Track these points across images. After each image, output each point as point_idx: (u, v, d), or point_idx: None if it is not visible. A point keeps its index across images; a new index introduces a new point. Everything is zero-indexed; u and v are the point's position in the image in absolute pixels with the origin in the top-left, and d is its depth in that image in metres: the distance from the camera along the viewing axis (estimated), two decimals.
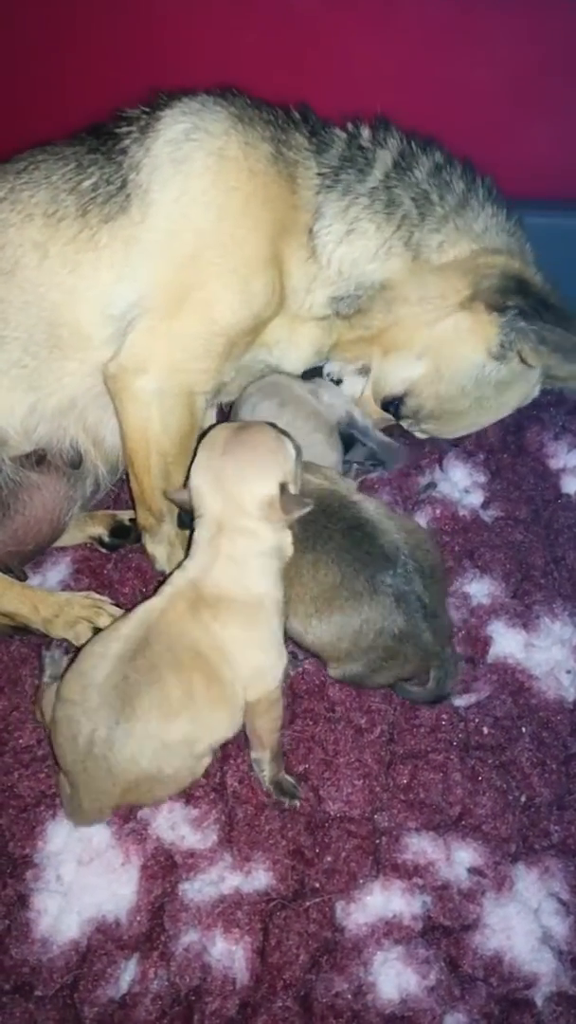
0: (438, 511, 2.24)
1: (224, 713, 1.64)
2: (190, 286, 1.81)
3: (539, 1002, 1.56)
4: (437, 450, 2.38)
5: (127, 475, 1.99)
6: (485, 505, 2.30)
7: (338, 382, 2.10)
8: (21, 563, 2.10)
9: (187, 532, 1.85)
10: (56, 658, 1.86)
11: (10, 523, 2.00)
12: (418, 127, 1.98)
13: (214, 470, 1.67)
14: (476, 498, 2.32)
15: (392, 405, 2.05)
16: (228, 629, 1.64)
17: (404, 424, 2.12)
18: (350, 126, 1.97)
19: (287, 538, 1.71)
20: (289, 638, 1.80)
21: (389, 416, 2.09)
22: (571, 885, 1.68)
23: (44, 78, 2.44)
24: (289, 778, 1.76)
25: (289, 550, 1.71)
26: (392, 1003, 1.54)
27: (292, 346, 2.01)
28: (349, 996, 1.55)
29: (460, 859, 1.70)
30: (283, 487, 1.65)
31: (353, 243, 1.90)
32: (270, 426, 1.74)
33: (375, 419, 2.11)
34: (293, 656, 1.89)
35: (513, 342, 1.88)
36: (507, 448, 2.42)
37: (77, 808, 1.64)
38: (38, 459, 2.01)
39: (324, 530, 1.77)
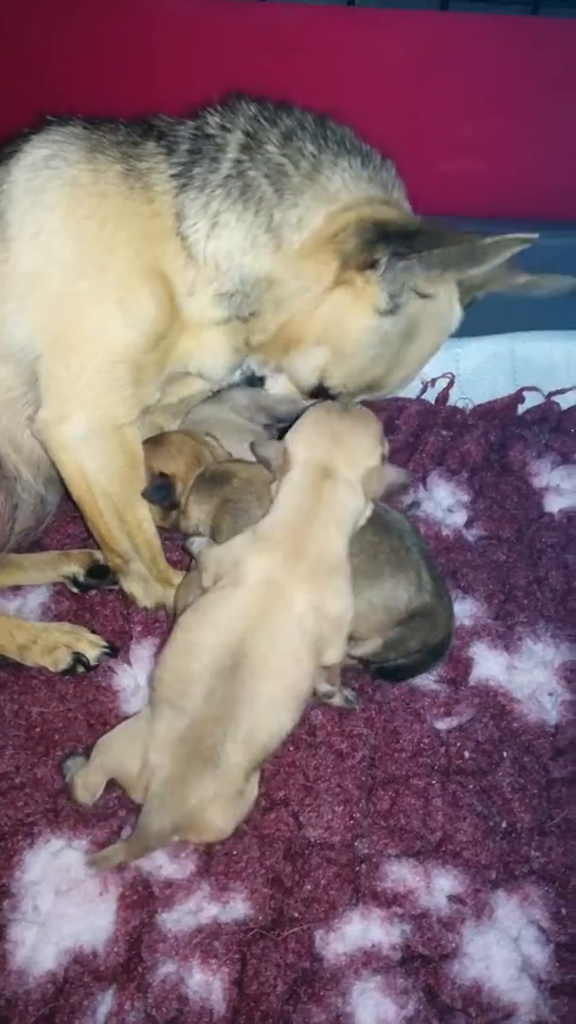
0: (421, 530, 2.23)
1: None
2: (71, 322, 1.79)
3: None
4: (421, 469, 2.38)
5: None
6: (468, 524, 2.30)
7: (261, 380, 2.05)
8: None
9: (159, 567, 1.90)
10: (76, 763, 1.79)
11: None
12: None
13: (329, 426, 1.78)
14: (459, 517, 2.31)
15: (314, 394, 2.00)
16: (331, 604, 1.67)
17: (347, 401, 2.04)
18: (196, 120, 1.90)
19: (368, 511, 1.78)
20: None
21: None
22: (551, 913, 1.67)
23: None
24: (348, 692, 1.88)
25: (362, 523, 1.78)
26: None
27: (206, 354, 1.96)
28: None
29: (440, 886, 1.69)
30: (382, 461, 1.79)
31: (220, 236, 1.83)
32: None
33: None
34: None
35: (401, 288, 1.80)
36: (490, 466, 2.41)
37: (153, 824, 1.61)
38: None
39: None
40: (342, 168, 1.83)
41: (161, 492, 1.89)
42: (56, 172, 1.80)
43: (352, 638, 1.78)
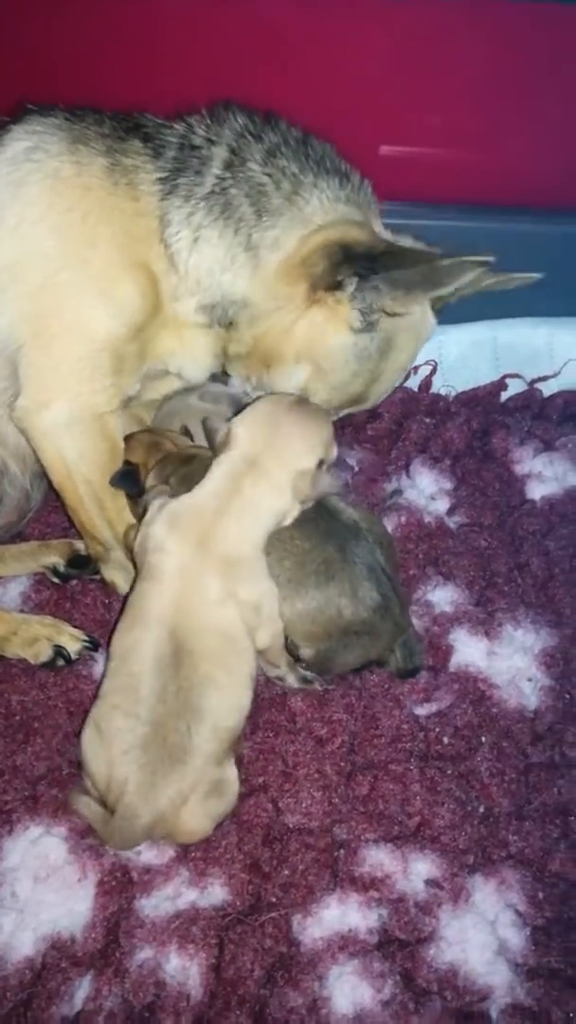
0: (404, 518, 2.24)
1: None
2: (53, 312, 1.80)
3: (494, 1015, 1.56)
4: (404, 456, 2.38)
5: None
6: (451, 512, 2.30)
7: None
8: None
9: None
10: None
11: None
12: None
13: (274, 417, 1.77)
14: (442, 504, 2.32)
15: None
16: (243, 590, 1.69)
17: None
18: (183, 124, 1.92)
19: (295, 512, 1.76)
20: None
21: None
22: (528, 896, 1.68)
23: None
24: (305, 672, 1.86)
25: (287, 523, 1.76)
26: (346, 1018, 1.54)
27: (188, 355, 1.98)
28: (303, 1011, 1.55)
29: (417, 871, 1.70)
30: (319, 465, 1.76)
31: (202, 252, 1.86)
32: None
33: None
34: None
35: (370, 306, 1.84)
36: (473, 454, 2.42)
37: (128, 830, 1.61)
38: None
39: None
40: (320, 189, 1.88)
41: (127, 479, 1.89)
42: (37, 165, 1.81)
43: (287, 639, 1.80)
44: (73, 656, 1.96)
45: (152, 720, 1.58)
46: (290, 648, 1.84)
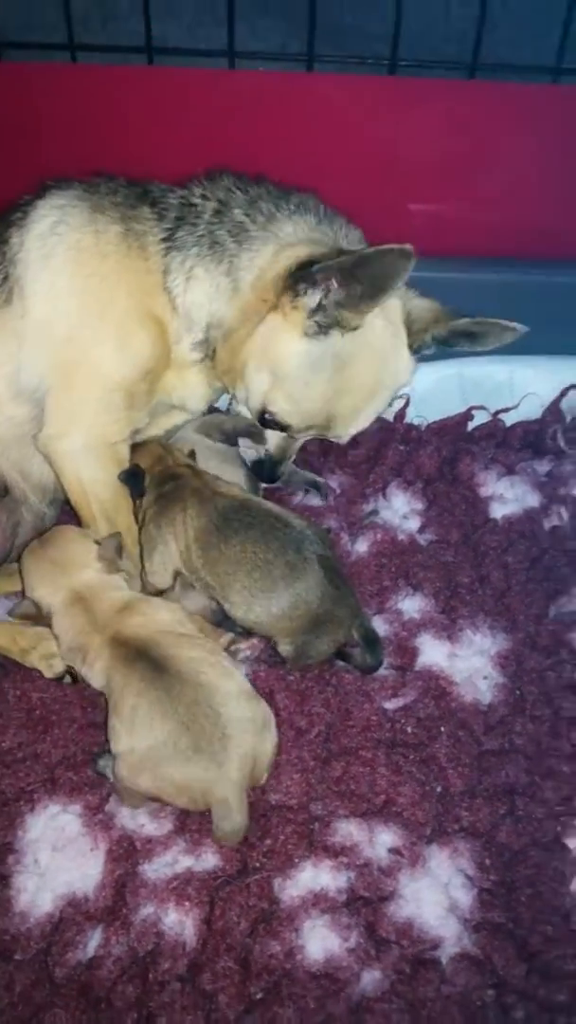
0: (379, 536, 2.51)
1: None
2: (76, 361, 2.10)
3: (443, 960, 1.81)
4: (380, 480, 2.65)
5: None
6: (421, 529, 2.57)
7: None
8: None
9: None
10: (108, 760, 1.99)
11: None
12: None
13: (43, 556, 2.11)
14: (414, 523, 2.58)
15: (269, 423, 2.22)
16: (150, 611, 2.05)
17: (300, 438, 2.31)
18: (185, 189, 2.20)
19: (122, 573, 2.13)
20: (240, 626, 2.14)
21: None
22: (477, 863, 1.93)
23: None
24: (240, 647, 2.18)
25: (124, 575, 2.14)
26: (317, 962, 1.79)
27: (187, 389, 2.28)
28: (282, 957, 1.80)
29: (382, 841, 1.95)
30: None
31: (193, 289, 2.13)
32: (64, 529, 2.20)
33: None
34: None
35: (325, 314, 1.99)
36: (442, 478, 2.69)
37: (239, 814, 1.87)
38: None
39: (245, 520, 2.09)
40: (294, 222, 2.12)
41: (133, 479, 2.18)
42: (61, 238, 2.10)
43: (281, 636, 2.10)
44: (80, 678, 2.13)
45: (180, 725, 1.84)
46: (273, 649, 2.15)
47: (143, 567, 2.16)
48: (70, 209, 2.14)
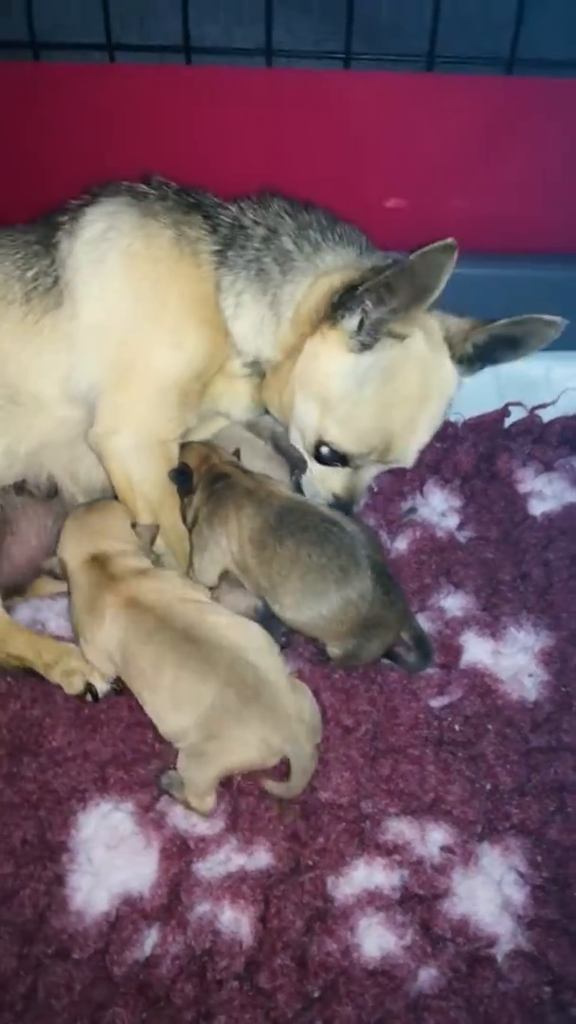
0: (418, 533, 2.52)
1: None
2: (131, 361, 2.10)
3: (499, 958, 1.82)
4: (418, 477, 2.66)
5: None
6: (460, 527, 2.58)
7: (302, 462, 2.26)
8: (18, 583, 2.36)
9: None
10: (173, 782, 2.00)
11: (3, 542, 2.27)
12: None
13: (75, 526, 2.18)
14: (452, 521, 2.59)
15: (326, 458, 2.16)
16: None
17: (369, 472, 2.23)
18: (235, 207, 2.20)
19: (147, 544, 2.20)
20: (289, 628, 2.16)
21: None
22: (528, 860, 1.94)
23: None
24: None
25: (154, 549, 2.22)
26: (374, 960, 1.81)
27: (234, 399, 2.28)
28: (338, 955, 1.81)
29: (433, 839, 1.96)
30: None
31: (241, 317, 2.15)
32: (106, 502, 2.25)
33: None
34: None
35: (367, 330, 1.98)
36: (480, 474, 2.69)
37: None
38: (18, 488, 2.28)
39: (300, 522, 2.09)
40: (336, 252, 2.14)
41: (182, 477, 2.19)
42: (112, 243, 2.12)
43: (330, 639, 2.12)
44: (100, 695, 2.15)
45: (225, 689, 1.90)
46: (320, 649, 2.16)
47: (191, 565, 2.17)
48: (120, 215, 2.15)
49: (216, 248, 2.15)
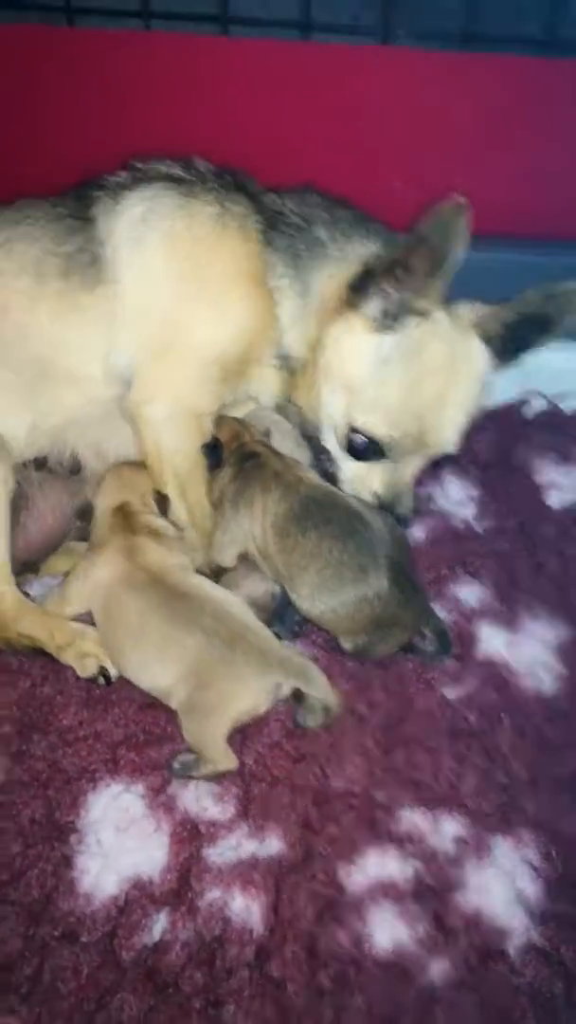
0: (435, 522, 2.49)
1: None
2: (173, 337, 2.10)
3: (512, 952, 1.80)
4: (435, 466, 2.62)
5: None
6: (477, 516, 2.55)
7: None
8: (32, 560, 2.34)
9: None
10: (189, 764, 1.99)
11: (20, 518, 2.24)
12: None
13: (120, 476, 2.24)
14: (469, 510, 2.57)
15: (361, 449, 2.11)
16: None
17: (409, 466, 2.16)
18: (276, 194, 2.21)
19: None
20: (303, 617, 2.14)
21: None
22: (542, 853, 1.92)
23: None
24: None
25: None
26: (386, 951, 1.78)
27: (263, 384, 2.27)
28: (349, 945, 1.79)
29: (446, 830, 1.94)
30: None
31: (281, 303, 2.14)
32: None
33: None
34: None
35: (391, 306, 1.96)
36: (498, 464, 2.67)
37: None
38: (38, 464, 2.27)
39: (326, 514, 2.06)
40: (365, 246, 2.12)
41: (212, 451, 2.19)
42: (152, 226, 2.11)
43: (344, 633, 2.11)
44: (112, 679, 2.13)
45: (210, 641, 1.94)
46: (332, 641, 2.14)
47: (211, 542, 2.15)
48: (160, 198, 2.14)
49: (262, 227, 2.15)
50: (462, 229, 1.81)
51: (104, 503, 2.20)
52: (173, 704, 2.00)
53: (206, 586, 2.08)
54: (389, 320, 1.98)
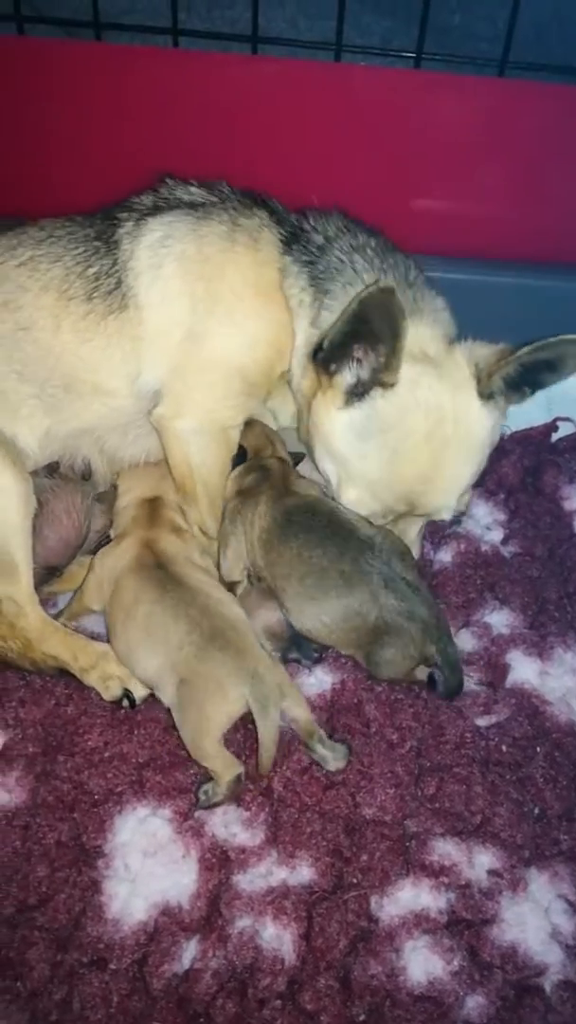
0: (462, 546, 2.47)
1: None
2: (194, 353, 2.11)
3: (547, 988, 1.77)
4: None
5: None
6: (505, 541, 2.53)
7: None
8: (53, 565, 2.30)
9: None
10: (209, 792, 1.95)
11: (35, 523, 2.19)
12: None
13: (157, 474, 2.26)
14: (497, 535, 2.54)
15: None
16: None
17: (410, 526, 2.13)
18: (300, 214, 2.21)
19: None
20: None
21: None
22: None
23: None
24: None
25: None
26: (420, 985, 1.75)
27: (277, 400, 2.28)
28: (383, 978, 1.76)
29: (480, 862, 1.91)
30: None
31: (299, 319, 2.13)
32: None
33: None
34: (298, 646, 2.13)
35: (359, 378, 1.94)
36: (525, 489, 2.65)
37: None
38: (50, 469, 2.26)
39: (307, 522, 2.05)
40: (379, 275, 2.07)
41: (239, 461, 2.19)
42: (168, 250, 2.14)
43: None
44: (137, 702, 2.09)
45: (200, 635, 1.95)
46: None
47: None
48: (177, 224, 2.17)
49: (282, 236, 2.16)
50: (394, 311, 1.78)
51: (136, 491, 2.24)
52: (166, 701, 2.00)
53: (207, 582, 2.09)
54: (360, 389, 1.95)
